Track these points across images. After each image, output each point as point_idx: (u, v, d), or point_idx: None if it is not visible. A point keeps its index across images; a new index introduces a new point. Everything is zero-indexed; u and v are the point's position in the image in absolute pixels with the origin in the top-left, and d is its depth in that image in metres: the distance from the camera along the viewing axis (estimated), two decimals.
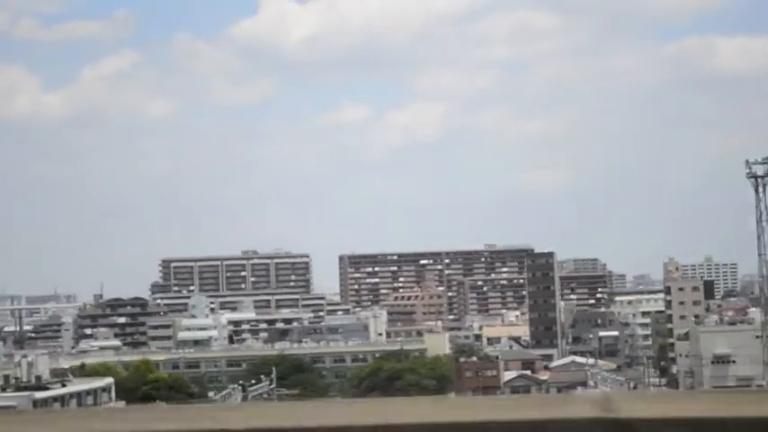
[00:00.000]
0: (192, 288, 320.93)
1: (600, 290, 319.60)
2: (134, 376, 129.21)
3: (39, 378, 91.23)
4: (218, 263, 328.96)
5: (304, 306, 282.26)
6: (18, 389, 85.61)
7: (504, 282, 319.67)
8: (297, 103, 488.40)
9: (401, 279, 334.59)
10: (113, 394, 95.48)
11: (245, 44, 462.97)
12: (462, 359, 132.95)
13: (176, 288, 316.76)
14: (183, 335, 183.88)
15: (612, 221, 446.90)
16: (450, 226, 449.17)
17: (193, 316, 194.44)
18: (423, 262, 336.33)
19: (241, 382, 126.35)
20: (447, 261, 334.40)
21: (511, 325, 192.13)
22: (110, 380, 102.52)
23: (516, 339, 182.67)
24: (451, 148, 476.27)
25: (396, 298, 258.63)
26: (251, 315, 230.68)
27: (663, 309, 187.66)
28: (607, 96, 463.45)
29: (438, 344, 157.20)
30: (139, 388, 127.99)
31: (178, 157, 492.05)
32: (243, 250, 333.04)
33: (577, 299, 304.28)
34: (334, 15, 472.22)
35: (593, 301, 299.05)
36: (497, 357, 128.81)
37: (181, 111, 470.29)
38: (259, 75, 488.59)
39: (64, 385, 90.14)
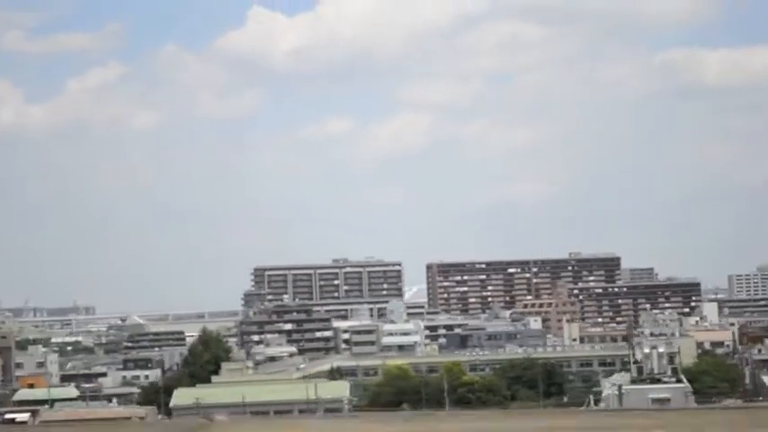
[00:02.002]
0: (285, 296, 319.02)
1: (694, 298, 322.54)
2: (447, 378, 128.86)
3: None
4: (312, 271, 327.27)
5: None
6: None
7: (600, 290, 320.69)
8: (286, 114, 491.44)
9: (489, 288, 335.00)
10: None
11: (232, 56, 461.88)
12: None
13: (270, 297, 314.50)
14: (386, 340, 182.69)
15: (607, 228, 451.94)
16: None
17: (392, 321, 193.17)
18: (510, 270, 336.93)
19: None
20: (535, 270, 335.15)
21: (705, 330, 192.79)
22: None
23: (720, 344, 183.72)
24: (445, 156, 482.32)
25: (525, 305, 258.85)
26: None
27: None
28: (595, 105, 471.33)
29: (686, 349, 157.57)
30: (455, 390, 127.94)
31: (165, 167, 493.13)
32: (334, 258, 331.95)
33: (671, 307, 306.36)
34: (323, 28, 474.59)
35: (687, 310, 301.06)
36: None
37: (167, 122, 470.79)
38: (245, 86, 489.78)
39: None
